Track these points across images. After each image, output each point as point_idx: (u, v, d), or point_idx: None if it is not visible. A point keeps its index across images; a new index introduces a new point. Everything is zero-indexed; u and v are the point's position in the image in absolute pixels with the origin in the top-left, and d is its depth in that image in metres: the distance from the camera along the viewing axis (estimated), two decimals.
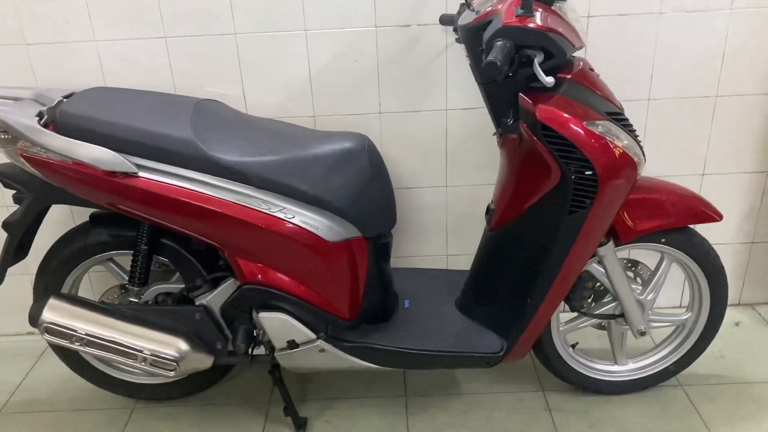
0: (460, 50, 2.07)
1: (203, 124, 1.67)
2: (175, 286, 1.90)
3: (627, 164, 1.61)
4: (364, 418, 2.02)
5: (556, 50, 1.47)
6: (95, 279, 2.40)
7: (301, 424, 1.96)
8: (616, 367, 2.05)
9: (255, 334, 1.88)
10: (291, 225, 1.66)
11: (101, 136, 1.60)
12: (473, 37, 1.58)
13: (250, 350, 1.86)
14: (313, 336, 1.78)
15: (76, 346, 1.77)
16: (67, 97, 1.73)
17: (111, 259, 1.94)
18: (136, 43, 2.07)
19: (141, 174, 1.61)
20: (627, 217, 1.75)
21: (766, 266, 2.43)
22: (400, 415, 2.03)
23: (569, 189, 1.60)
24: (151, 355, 1.76)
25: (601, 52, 2.05)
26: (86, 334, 1.75)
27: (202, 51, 2.08)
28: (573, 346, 2.03)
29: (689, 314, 1.98)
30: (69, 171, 1.61)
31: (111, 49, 2.08)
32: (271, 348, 1.85)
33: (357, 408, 2.06)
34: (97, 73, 2.10)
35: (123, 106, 1.69)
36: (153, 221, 1.69)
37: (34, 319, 1.78)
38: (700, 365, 2.07)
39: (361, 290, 1.81)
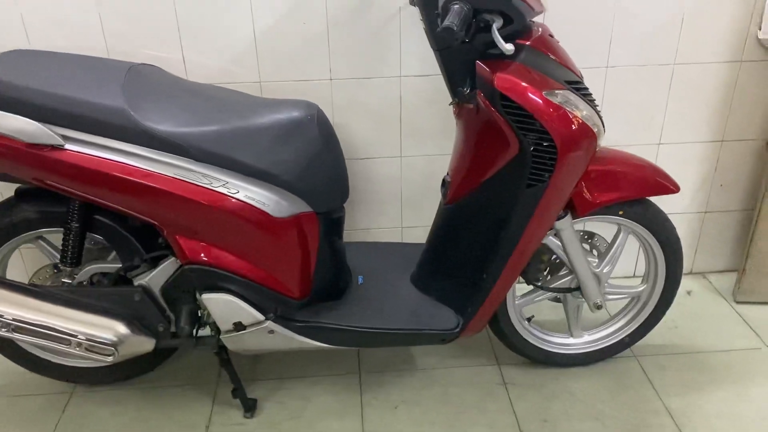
0: (414, 13, 1.96)
1: (137, 91, 1.55)
2: (111, 265, 1.77)
3: (586, 135, 1.56)
4: (317, 397, 1.96)
5: (515, 14, 1.39)
6: (26, 257, 2.24)
7: (250, 406, 1.89)
8: (571, 340, 2.04)
9: (199, 315, 1.78)
10: (235, 201, 1.56)
11: (22, 104, 1.46)
12: (428, 0, 1.48)
13: (194, 332, 1.77)
14: (262, 317, 1.70)
15: (3, 333, 1.65)
16: None
17: (41, 237, 1.80)
18: (63, 0, 1.89)
19: (68, 146, 1.49)
20: (585, 189, 1.70)
21: (718, 235, 2.45)
22: (354, 393, 1.98)
23: (527, 161, 1.54)
24: (86, 340, 1.66)
25: (558, 18, 1.98)
26: (14, 320, 1.63)
27: (137, 10, 1.92)
28: (529, 319, 2.00)
29: (644, 286, 1.98)
30: None
31: (34, 6, 1.89)
32: (216, 329, 1.76)
33: (310, 387, 2.00)
34: (18, 34, 1.93)
35: (47, 71, 1.55)
36: (83, 197, 1.57)
37: None
38: (653, 335, 2.07)
39: (312, 268, 1.73)
